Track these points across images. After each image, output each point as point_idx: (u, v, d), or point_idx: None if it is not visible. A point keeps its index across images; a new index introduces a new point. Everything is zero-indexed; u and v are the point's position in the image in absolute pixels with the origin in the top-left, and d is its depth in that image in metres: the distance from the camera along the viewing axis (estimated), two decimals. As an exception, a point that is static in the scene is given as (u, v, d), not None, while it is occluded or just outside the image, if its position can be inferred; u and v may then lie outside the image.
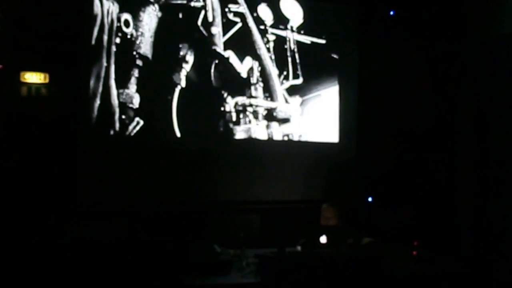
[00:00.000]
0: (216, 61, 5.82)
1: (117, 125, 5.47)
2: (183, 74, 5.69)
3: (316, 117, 6.19)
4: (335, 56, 6.29)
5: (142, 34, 5.58)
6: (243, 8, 5.93)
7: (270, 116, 6.00)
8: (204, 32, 5.79)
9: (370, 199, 6.32)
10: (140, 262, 4.96)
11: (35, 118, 5.18)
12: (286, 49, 6.10)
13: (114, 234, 5.19)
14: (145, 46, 5.59)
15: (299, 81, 6.11)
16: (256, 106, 5.94)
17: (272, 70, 6.03)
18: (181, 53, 5.70)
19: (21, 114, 5.16)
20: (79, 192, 5.33)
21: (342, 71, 6.34)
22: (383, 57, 6.33)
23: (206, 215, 5.65)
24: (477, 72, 5.83)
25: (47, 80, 5.26)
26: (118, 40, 5.49)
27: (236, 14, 5.91)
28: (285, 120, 6.05)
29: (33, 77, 5.22)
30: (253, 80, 5.95)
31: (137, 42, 5.56)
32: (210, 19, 5.81)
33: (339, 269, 3.82)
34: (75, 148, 5.34)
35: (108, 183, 5.44)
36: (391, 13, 6.48)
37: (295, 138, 6.09)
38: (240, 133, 5.88)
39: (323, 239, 4.17)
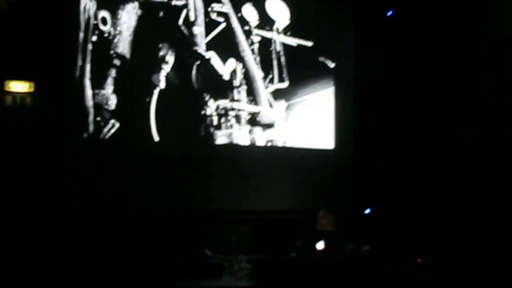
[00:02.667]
0: (198, 62, 5.42)
1: (91, 127, 5.06)
2: (162, 75, 5.29)
3: (303, 122, 5.79)
4: (326, 58, 5.90)
5: (120, 32, 5.19)
6: (227, 7, 5.55)
7: (253, 120, 5.60)
8: (185, 32, 5.40)
9: (367, 210, 5.87)
10: (129, 265, 4.62)
11: (20, 126, 4.91)
12: (271, 51, 5.71)
13: (101, 239, 4.85)
14: (123, 45, 5.20)
15: (285, 84, 5.72)
16: (239, 110, 5.54)
17: (257, 72, 5.63)
18: (161, 53, 5.31)
19: (6, 123, 4.89)
20: (59, 199, 4.96)
21: (337, 75, 5.95)
22: (381, 60, 5.93)
23: (189, 223, 5.23)
24: (481, 75, 5.47)
25: (32, 89, 4.98)
26: (94, 38, 5.10)
27: (219, 14, 5.53)
28: (268, 125, 5.65)
29: (18, 86, 4.95)
30: (236, 82, 5.56)
31: (115, 41, 5.17)
32: (192, 18, 5.43)
33: (336, 274, 3.66)
34: (55, 154, 4.99)
35: (83, 189, 5.04)
36: (389, 13, 6.09)
37: (279, 144, 5.69)
38: (221, 138, 5.47)
39: (320, 245, 3.97)
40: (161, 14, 5.32)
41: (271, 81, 5.68)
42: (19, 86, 4.94)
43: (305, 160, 5.75)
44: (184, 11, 5.39)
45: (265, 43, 5.69)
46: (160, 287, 3.90)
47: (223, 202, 5.47)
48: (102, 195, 5.07)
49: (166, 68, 5.31)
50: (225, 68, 5.52)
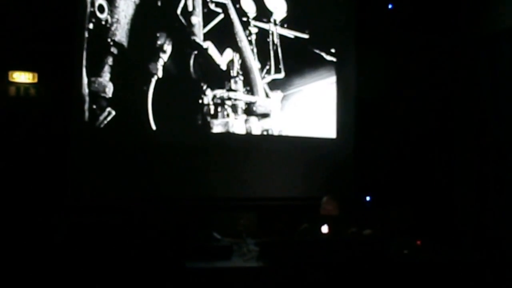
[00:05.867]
0: (196, 52, 5.14)
1: (87, 115, 4.77)
2: (160, 64, 5.01)
3: (300, 112, 5.50)
4: (325, 50, 5.61)
5: (117, 20, 4.90)
6: (225, -2, 5.28)
7: (249, 110, 5.32)
8: (183, 21, 5.12)
9: (368, 198, 5.66)
10: (143, 249, 4.60)
11: (24, 117, 4.67)
12: (268, 42, 5.42)
13: (115, 225, 4.71)
14: (121, 34, 4.91)
15: (281, 75, 5.43)
16: (235, 99, 5.25)
17: (254, 63, 5.34)
18: (159, 42, 5.02)
19: (10, 113, 4.65)
20: (68, 187, 4.71)
21: (338, 66, 5.67)
22: (381, 52, 5.71)
23: (197, 210, 4.95)
24: (477, 68, 5.34)
25: (35, 80, 4.72)
26: (91, 26, 4.81)
27: (218, 4, 5.24)
28: (264, 115, 5.36)
29: (22, 77, 4.69)
30: (233, 73, 5.27)
31: (112, 29, 4.88)
32: (190, 8, 5.14)
33: (340, 255, 3.69)
34: (60, 143, 4.74)
35: (88, 178, 4.78)
36: (390, 6, 5.84)
37: (275, 133, 5.40)
38: (217, 126, 5.18)
39: (324, 229, 3.92)
40: (159, 3, 5.04)
41: (268, 72, 5.39)
42: (22, 77, 4.68)
43: (307, 149, 5.49)
44: (182, 1, 5.11)
45: (263, 35, 5.41)
46: (173, 268, 3.86)
47: (227, 189, 5.22)
48: (107, 183, 4.81)
49: (164, 57, 5.03)
50: (222, 58, 5.24)
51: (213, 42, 5.20)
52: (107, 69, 4.85)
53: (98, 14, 4.83)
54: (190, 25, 5.14)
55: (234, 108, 5.25)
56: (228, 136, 5.21)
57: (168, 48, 5.04)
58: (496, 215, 5.03)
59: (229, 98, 5.23)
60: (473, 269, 3.94)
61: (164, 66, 5.01)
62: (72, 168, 4.74)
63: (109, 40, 4.85)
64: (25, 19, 4.67)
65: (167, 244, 4.41)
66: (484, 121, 5.25)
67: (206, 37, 5.17)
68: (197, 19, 5.16)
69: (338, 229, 3.92)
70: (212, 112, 5.17)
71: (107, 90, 4.83)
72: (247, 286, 3.47)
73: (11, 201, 4.51)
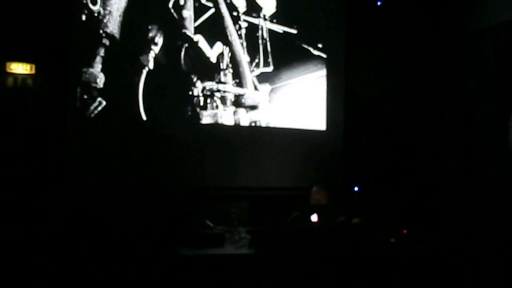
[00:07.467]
0: (186, 45, 5.10)
1: (78, 104, 4.72)
2: (151, 56, 4.96)
3: (288, 104, 5.49)
4: (314, 45, 5.59)
5: (110, 12, 4.84)
6: (216, -7, 5.24)
7: (238, 102, 5.30)
8: (175, 15, 5.07)
9: (356, 188, 5.69)
10: (137, 237, 4.61)
11: (21, 108, 4.61)
12: (258, 37, 5.41)
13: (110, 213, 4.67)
14: (113, 25, 4.85)
15: (270, 69, 5.43)
16: (224, 91, 5.23)
17: (243, 57, 5.33)
18: (150, 34, 4.97)
19: (7, 104, 4.58)
20: (61, 175, 4.65)
21: (327, 60, 5.66)
22: (369, 48, 5.73)
23: (188, 198, 4.95)
24: (462, 64, 5.41)
25: (33, 71, 4.65)
26: (83, 17, 4.74)
27: (209, -1, 5.22)
28: (252, 107, 5.36)
29: (19, 68, 4.61)
30: (223, 65, 5.24)
31: (105, 20, 4.82)
32: (181, 2, 5.10)
33: (329, 243, 3.75)
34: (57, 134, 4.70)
35: (84, 167, 4.73)
36: (378, 3, 5.87)
37: (263, 125, 5.40)
38: (206, 118, 5.16)
39: (314, 218, 3.92)
40: (151, -4, 5.00)
41: (257, 65, 5.38)
42: (20, 68, 4.60)
43: (297, 141, 5.48)
44: (174, -5, 5.08)
45: (252, 29, 5.39)
46: (167, 255, 3.86)
47: (218, 179, 5.18)
48: (100, 172, 4.77)
49: (155, 49, 4.98)
50: (212, 51, 5.21)
51: (203, 35, 5.16)
52: (98, 60, 4.79)
53: (90, 5, 4.77)
54: (182, 18, 5.09)
55: (223, 100, 5.23)
56: (217, 127, 5.19)
57: (159, 40, 5.00)
58: (480, 205, 5.13)
59: (218, 90, 5.21)
60: (457, 257, 3.99)
61: (155, 58, 4.97)
62: (67, 157, 4.68)
63: (101, 31, 4.79)
64: (22, 10, 4.59)
65: (160, 231, 4.40)
66: (469, 115, 5.33)
67: (197, 30, 5.14)
68: (188, 13, 5.11)
69: (327, 218, 3.94)
70: (201, 103, 5.14)
71: (98, 80, 4.77)
72: (239, 272, 3.47)
73: (8, 190, 4.44)
